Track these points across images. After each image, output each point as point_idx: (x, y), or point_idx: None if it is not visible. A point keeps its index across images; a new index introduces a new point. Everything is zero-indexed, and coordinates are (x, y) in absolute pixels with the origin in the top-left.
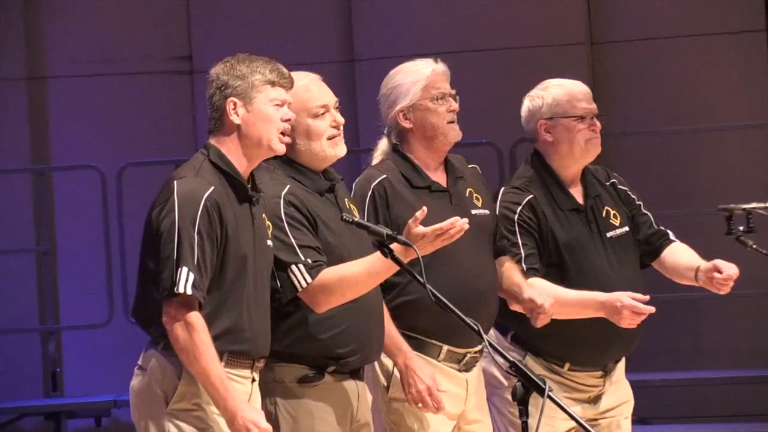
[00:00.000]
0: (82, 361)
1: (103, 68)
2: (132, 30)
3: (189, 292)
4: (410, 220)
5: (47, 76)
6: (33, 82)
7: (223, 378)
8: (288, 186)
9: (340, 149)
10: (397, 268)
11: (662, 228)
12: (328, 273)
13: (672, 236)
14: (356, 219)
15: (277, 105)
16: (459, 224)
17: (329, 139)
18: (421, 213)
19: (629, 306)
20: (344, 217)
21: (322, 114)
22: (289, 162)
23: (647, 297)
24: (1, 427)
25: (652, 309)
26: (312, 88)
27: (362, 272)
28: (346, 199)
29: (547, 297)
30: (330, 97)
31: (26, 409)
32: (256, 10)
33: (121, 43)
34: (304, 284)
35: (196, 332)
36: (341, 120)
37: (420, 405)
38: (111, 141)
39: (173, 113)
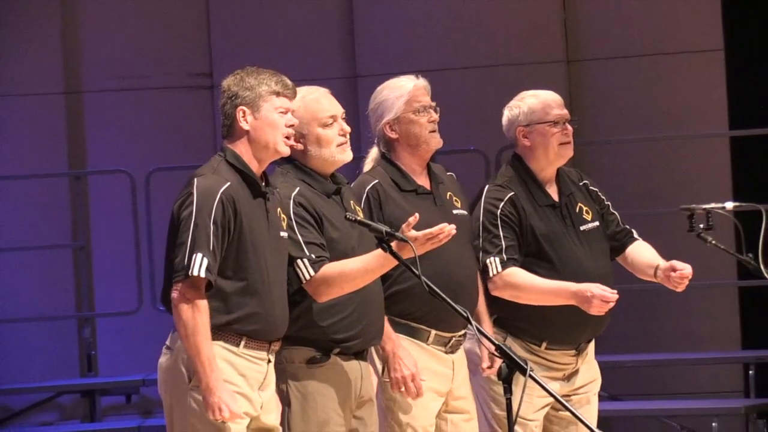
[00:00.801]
0: (114, 345)
1: (133, 83)
2: (159, 49)
3: (203, 275)
4: (404, 225)
5: (83, 91)
6: (70, 96)
7: (211, 358)
8: (298, 188)
9: (347, 155)
10: (390, 266)
11: (627, 227)
12: (329, 268)
13: (636, 235)
14: (359, 218)
15: (282, 112)
16: (447, 230)
17: (338, 146)
18: (414, 219)
19: (599, 295)
20: (348, 216)
21: (331, 124)
22: (301, 166)
23: (614, 290)
24: (42, 403)
25: (617, 296)
26: (322, 101)
27: (359, 269)
28: (351, 201)
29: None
30: (338, 109)
31: (64, 388)
32: (269, 31)
33: (149, 61)
34: (307, 277)
35: (199, 313)
36: (348, 129)
37: (402, 389)
38: (140, 148)
39: (195, 123)
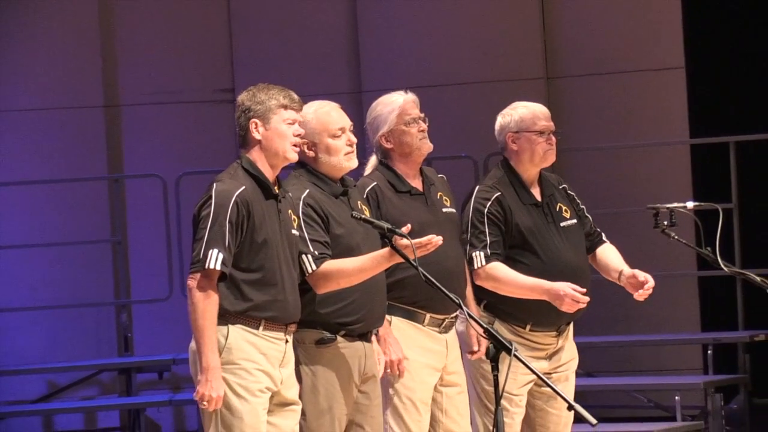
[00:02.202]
0: (148, 328)
1: (165, 98)
2: (187, 68)
3: (218, 267)
4: (396, 240)
5: (120, 105)
6: (109, 109)
7: (214, 341)
8: (308, 190)
9: (353, 162)
10: (382, 267)
11: (598, 230)
12: (329, 265)
13: (604, 238)
14: (363, 216)
15: (289, 123)
16: (435, 240)
17: (345, 154)
18: (407, 229)
19: (570, 295)
20: (353, 215)
21: (340, 135)
22: (313, 171)
23: (584, 290)
24: (84, 380)
25: (588, 299)
26: (332, 114)
27: (355, 268)
28: (359, 202)
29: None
30: (346, 121)
31: (104, 366)
32: (284, 52)
33: (178, 78)
34: (309, 270)
35: (210, 301)
36: (354, 140)
37: (388, 371)
38: (171, 154)
39: (219, 133)
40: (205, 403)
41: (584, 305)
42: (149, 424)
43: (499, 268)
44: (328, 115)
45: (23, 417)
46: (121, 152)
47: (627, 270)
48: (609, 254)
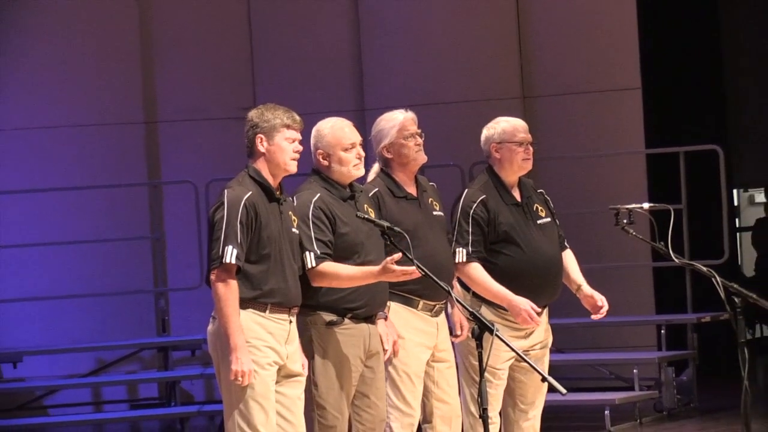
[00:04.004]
0: (182, 312)
1: (196, 115)
2: (214, 88)
3: (233, 261)
4: (388, 259)
5: (158, 121)
6: (149, 125)
7: (239, 324)
8: (319, 194)
9: (360, 172)
10: (369, 281)
11: (563, 234)
12: (326, 266)
13: (566, 243)
14: (366, 216)
15: (289, 141)
16: (410, 270)
17: (353, 165)
18: (398, 256)
19: (527, 311)
20: (358, 215)
21: (350, 149)
22: (325, 177)
23: (540, 310)
24: (128, 356)
25: (540, 320)
26: (345, 130)
27: (347, 275)
28: (365, 205)
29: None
30: (357, 137)
31: (144, 345)
32: (297, 74)
33: (207, 98)
34: (309, 266)
35: (231, 291)
36: (362, 153)
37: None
38: (201, 164)
39: (242, 145)
40: (239, 378)
41: (537, 325)
42: (183, 394)
43: (476, 269)
44: (341, 131)
45: (76, 389)
46: (158, 161)
47: (586, 289)
48: (569, 262)
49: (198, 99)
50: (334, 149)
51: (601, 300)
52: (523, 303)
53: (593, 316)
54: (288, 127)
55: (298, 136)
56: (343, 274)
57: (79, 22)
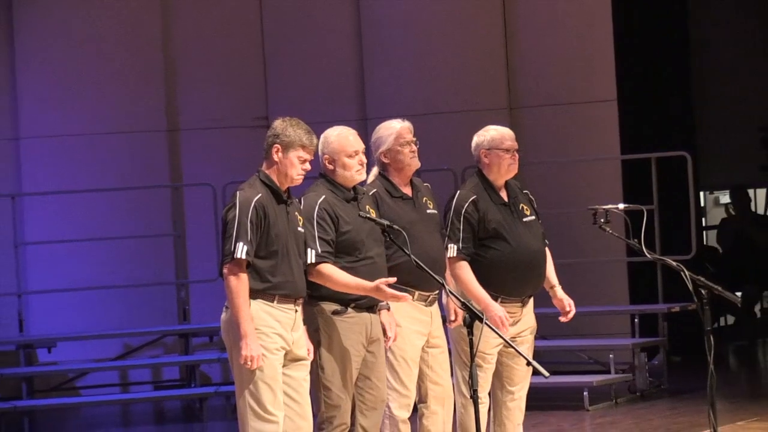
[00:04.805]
0: (202, 302)
1: (214, 124)
2: (231, 99)
3: (244, 257)
4: (383, 280)
5: (180, 129)
6: (171, 132)
7: (248, 313)
8: (324, 196)
9: (362, 176)
10: (360, 293)
11: (544, 233)
12: (326, 268)
13: (546, 241)
14: (367, 215)
15: (300, 159)
16: (400, 295)
17: (356, 171)
18: (392, 280)
19: (500, 318)
20: (360, 215)
21: (354, 155)
22: (330, 180)
23: (511, 321)
24: (152, 342)
25: (508, 330)
26: (350, 138)
27: (342, 282)
28: (367, 206)
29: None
30: (360, 145)
31: (167, 332)
32: (305, 87)
33: (224, 108)
34: (309, 262)
35: (241, 283)
36: (365, 160)
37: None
38: (219, 168)
39: (255, 152)
40: (249, 362)
41: (506, 331)
42: (202, 376)
43: (464, 268)
44: (346, 139)
45: (104, 371)
46: (180, 166)
47: (559, 291)
48: (547, 262)
49: (216, 109)
50: (339, 155)
51: (569, 305)
52: (498, 310)
53: (561, 318)
54: (303, 147)
55: (310, 157)
56: (338, 279)
57: (109, 40)
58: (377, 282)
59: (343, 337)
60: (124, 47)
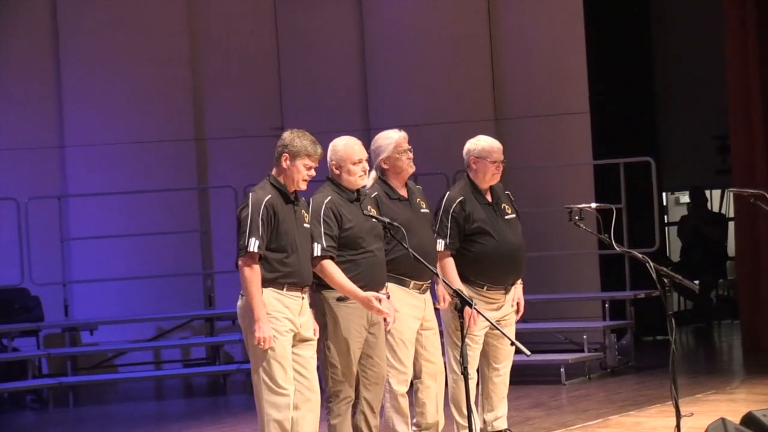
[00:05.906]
0: (226, 290)
1: (236, 133)
2: (250, 111)
3: (256, 250)
4: (375, 295)
5: (206, 138)
6: (198, 141)
7: (261, 300)
8: (330, 197)
9: (364, 182)
10: (352, 297)
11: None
12: (328, 265)
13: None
14: (371, 214)
15: (306, 167)
16: (386, 313)
17: (359, 176)
18: (383, 296)
19: (474, 317)
20: (365, 213)
21: (358, 163)
22: (336, 183)
23: (487, 324)
24: (181, 325)
25: (479, 330)
26: (355, 148)
27: (338, 282)
28: (369, 206)
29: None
30: (364, 154)
31: (194, 316)
32: (313, 99)
33: (244, 119)
34: (315, 255)
35: (255, 274)
36: (367, 167)
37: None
38: (239, 172)
39: (272, 158)
40: (262, 343)
41: (474, 324)
42: (226, 355)
43: (449, 263)
44: (352, 148)
45: (140, 351)
46: (206, 170)
47: (519, 291)
48: None
49: (238, 120)
50: (344, 162)
51: (521, 308)
52: (474, 314)
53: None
54: (309, 156)
55: (314, 164)
56: (336, 279)
57: (143, 60)
58: (370, 295)
59: (347, 320)
60: (156, 66)
